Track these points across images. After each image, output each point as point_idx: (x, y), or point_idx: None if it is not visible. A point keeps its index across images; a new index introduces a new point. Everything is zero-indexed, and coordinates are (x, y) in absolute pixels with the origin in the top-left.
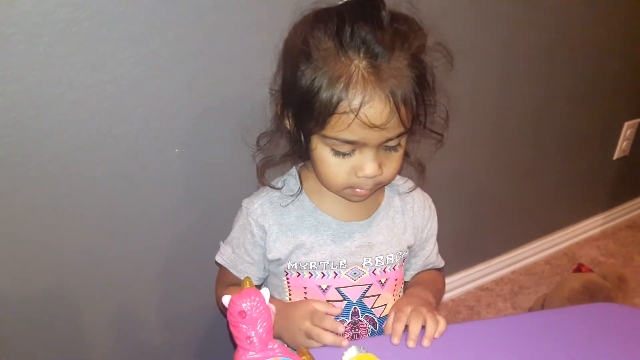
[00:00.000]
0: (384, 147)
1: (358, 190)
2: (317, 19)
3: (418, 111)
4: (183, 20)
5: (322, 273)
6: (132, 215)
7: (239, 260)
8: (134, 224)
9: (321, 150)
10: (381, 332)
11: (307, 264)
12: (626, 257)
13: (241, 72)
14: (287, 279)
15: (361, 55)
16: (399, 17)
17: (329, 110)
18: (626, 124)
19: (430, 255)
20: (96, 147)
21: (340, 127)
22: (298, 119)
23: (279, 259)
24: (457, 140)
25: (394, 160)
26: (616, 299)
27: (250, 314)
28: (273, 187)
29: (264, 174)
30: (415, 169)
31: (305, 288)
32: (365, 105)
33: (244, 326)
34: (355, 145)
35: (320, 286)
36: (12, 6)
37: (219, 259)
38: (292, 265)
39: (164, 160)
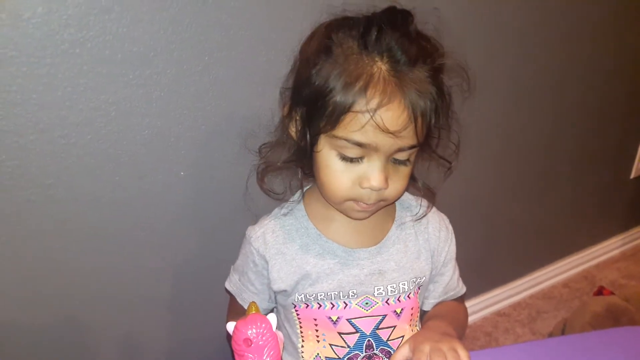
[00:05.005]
0: (392, 159)
1: (361, 204)
2: (343, 22)
3: (433, 128)
4: (187, 39)
5: (331, 304)
6: (137, 239)
7: (243, 289)
8: (138, 247)
9: (327, 154)
10: None
11: (314, 295)
12: None
13: (248, 92)
14: (296, 311)
15: (384, 59)
16: (424, 35)
17: (343, 108)
18: None
19: (450, 281)
20: (100, 171)
21: (353, 127)
22: (308, 117)
23: (284, 290)
24: (469, 161)
25: (401, 176)
26: None
27: (256, 342)
28: (271, 193)
29: (263, 179)
30: (425, 195)
31: (315, 320)
32: (382, 108)
33: (250, 355)
34: (365, 149)
35: (330, 317)
36: (14, 28)
37: (227, 285)
38: (300, 297)
39: (170, 184)
